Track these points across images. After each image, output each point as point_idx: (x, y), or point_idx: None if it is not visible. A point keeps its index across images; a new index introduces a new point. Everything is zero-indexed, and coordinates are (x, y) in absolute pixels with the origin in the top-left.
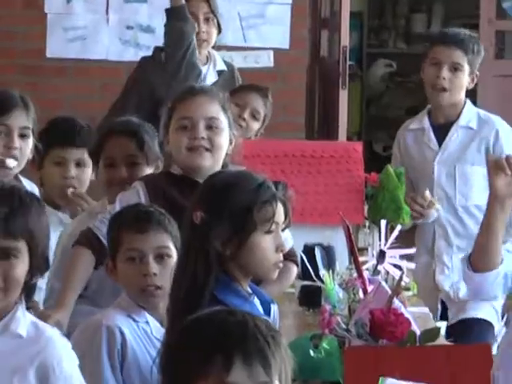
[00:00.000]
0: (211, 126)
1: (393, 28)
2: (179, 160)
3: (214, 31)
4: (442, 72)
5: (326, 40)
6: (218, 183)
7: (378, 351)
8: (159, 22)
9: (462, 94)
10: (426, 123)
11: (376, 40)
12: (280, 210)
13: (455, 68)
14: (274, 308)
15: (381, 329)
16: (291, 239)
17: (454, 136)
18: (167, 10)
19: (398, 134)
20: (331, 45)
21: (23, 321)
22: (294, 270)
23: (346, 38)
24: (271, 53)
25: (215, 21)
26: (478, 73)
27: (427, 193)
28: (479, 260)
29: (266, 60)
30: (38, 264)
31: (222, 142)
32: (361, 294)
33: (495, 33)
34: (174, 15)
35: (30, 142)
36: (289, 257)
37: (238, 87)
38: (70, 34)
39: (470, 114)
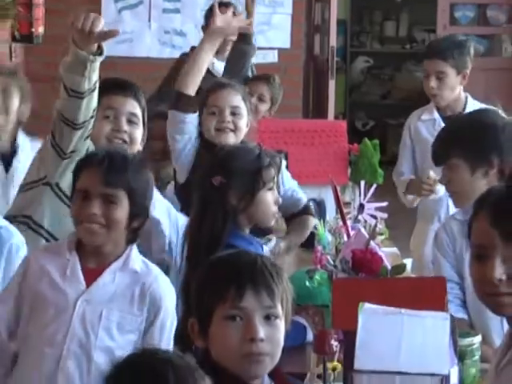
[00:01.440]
0: (235, 112)
1: (370, 32)
2: (209, 138)
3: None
4: (430, 82)
5: (318, 42)
6: (230, 154)
7: (358, 282)
8: (190, 28)
9: (457, 91)
10: (436, 115)
11: (357, 42)
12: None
13: (440, 76)
14: (266, 249)
15: (360, 264)
16: (305, 197)
17: None
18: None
19: (408, 124)
20: (322, 45)
21: (137, 259)
22: (312, 221)
23: (333, 40)
24: (276, 52)
25: None
26: (468, 70)
27: (431, 173)
28: None
29: (272, 57)
30: (137, 211)
31: (243, 125)
32: (345, 238)
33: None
34: (241, 39)
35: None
36: (308, 211)
37: (248, 79)
38: (120, 37)
39: (473, 106)
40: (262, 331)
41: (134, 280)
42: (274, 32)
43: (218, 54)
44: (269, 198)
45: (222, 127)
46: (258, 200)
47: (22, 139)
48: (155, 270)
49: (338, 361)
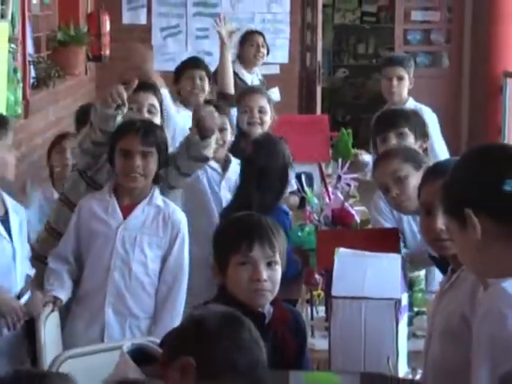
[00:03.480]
0: (261, 111)
1: (346, 51)
2: (243, 129)
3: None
4: (392, 82)
5: (308, 58)
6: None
7: (336, 232)
8: (215, 49)
9: (405, 93)
10: None
11: (337, 58)
12: None
13: (399, 79)
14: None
15: (337, 219)
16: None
17: None
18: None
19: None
20: (312, 60)
21: (158, 197)
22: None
23: (319, 57)
24: (278, 65)
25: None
26: (413, 78)
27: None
28: None
29: (275, 69)
30: (162, 162)
31: (268, 119)
32: (327, 200)
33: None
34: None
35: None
36: None
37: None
38: (166, 57)
39: (410, 105)
40: (265, 274)
41: (157, 212)
42: (276, 51)
43: (247, 68)
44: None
45: (252, 122)
46: None
47: None
48: (172, 204)
49: (321, 290)
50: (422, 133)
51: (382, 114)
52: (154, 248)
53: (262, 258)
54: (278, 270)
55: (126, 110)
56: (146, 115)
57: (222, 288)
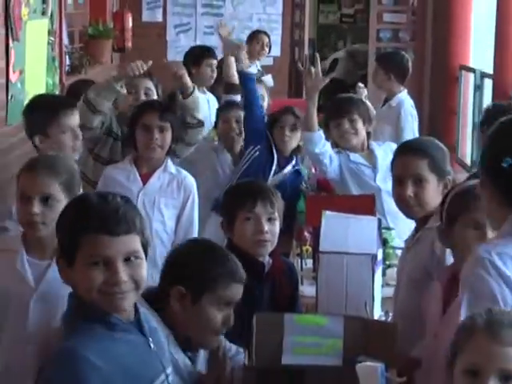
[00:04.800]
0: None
1: (328, 46)
2: None
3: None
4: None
5: (297, 51)
6: None
7: (323, 197)
8: (219, 44)
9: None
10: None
11: (321, 52)
12: None
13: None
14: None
15: (322, 186)
16: None
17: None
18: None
19: None
20: (299, 53)
21: (171, 166)
22: None
23: (306, 50)
24: (272, 58)
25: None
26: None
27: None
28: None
29: (269, 61)
30: (176, 137)
31: (265, 104)
32: (313, 171)
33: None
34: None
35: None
36: None
37: None
38: (177, 50)
39: (403, 96)
40: (266, 227)
41: (171, 178)
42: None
43: (250, 60)
44: None
45: None
46: None
47: None
48: (183, 172)
49: (309, 245)
50: (368, 118)
51: (336, 102)
52: (170, 208)
53: (264, 214)
54: (277, 225)
55: (124, 90)
56: (143, 97)
57: (230, 241)
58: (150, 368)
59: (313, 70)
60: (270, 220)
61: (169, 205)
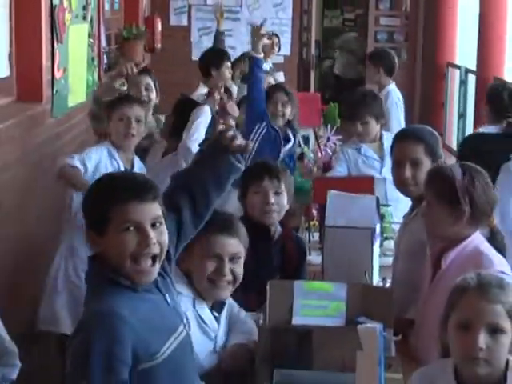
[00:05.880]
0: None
1: (332, 47)
2: None
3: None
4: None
5: (305, 52)
6: None
7: (326, 178)
8: (237, 44)
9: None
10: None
11: (326, 52)
12: None
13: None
14: None
15: (327, 168)
16: None
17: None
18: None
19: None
20: (307, 53)
21: None
22: None
23: (313, 51)
24: (282, 57)
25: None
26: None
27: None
28: None
29: (280, 60)
30: None
31: None
32: (319, 155)
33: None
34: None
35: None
36: None
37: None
38: (200, 50)
39: (392, 88)
40: (273, 199)
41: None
42: (281, 46)
43: (265, 56)
44: None
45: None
46: None
47: None
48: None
49: (316, 221)
50: (380, 114)
51: (349, 106)
52: None
53: (271, 188)
54: (284, 198)
55: (125, 87)
56: (144, 92)
57: (245, 211)
58: (170, 321)
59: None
60: (276, 193)
61: None
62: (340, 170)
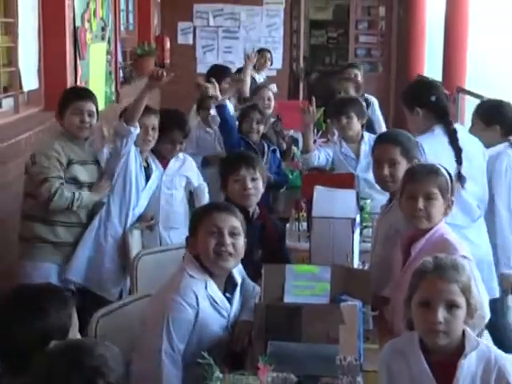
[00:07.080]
0: (269, 99)
1: (318, 61)
2: None
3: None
4: (354, 81)
5: (294, 65)
6: None
7: (314, 175)
8: (236, 60)
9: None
10: None
11: (312, 66)
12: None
13: (358, 78)
14: None
15: (314, 168)
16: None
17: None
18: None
19: None
20: (296, 67)
21: (180, 154)
22: None
23: (302, 64)
24: (275, 70)
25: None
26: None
27: None
28: None
29: (273, 73)
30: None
31: (272, 104)
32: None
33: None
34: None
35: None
36: None
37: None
38: (204, 65)
39: (368, 96)
40: (250, 185)
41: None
42: (274, 61)
43: (258, 70)
44: None
45: (264, 106)
46: None
47: None
48: (188, 156)
49: (304, 212)
50: (361, 114)
51: (336, 102)
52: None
53: (248, 175)
54: (260, 183)
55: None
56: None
57: (226, 196)
58: None
59: (310, 109)
60: (253, 179)
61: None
62: (321, 154)
